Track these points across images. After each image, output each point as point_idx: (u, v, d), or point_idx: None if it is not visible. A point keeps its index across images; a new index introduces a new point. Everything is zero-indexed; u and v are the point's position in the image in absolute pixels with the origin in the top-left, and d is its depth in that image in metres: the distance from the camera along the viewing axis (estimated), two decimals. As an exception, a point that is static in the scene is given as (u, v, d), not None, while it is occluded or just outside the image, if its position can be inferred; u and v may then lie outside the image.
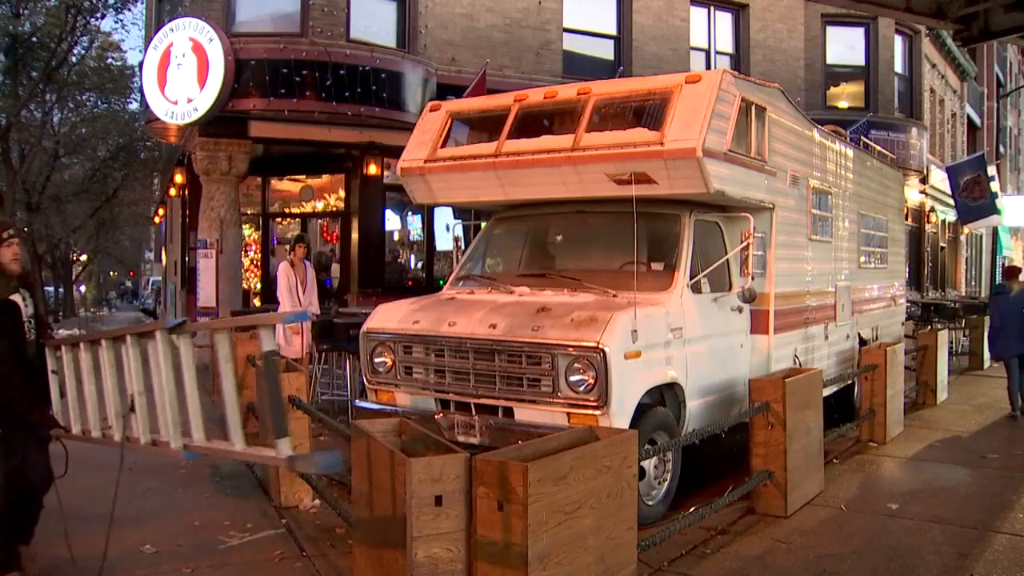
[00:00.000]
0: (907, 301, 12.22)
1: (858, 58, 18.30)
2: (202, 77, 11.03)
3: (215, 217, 12.10)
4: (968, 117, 27.12)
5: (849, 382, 8.02)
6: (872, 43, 18.17)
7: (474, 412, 5.15)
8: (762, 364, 6.23)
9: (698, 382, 5.54)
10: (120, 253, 51.04)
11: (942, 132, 23.49)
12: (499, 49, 13.70)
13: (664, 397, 5.38)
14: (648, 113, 5.53)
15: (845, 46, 18.17)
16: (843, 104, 18.35)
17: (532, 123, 6.09)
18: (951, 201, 19.68)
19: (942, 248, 24.89)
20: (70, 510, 4.36)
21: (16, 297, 3.95)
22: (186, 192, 15.12)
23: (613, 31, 15.31)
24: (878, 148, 10.24)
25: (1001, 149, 29.40)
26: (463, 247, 7.33)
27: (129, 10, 25.79)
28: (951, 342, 13.11)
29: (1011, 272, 9.82)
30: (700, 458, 5.92)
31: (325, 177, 14.22)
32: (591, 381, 4.77)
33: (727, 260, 5.94)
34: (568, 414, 4.83)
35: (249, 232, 14.39)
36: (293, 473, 3.87)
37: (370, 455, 3.67)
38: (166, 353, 3.76)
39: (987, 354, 12.17)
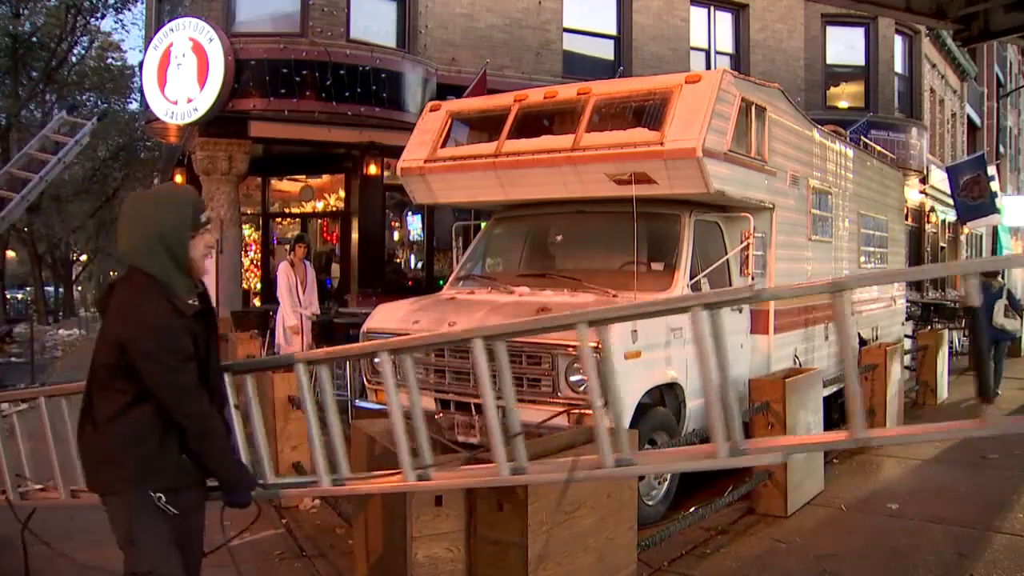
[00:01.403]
0: (907, 301, 12.24)
1: (858, 58, 18.28)
2: (202, 77, 11.03)
3: (215, 217, 12.09)
4: (968, 117, 27.10)
5: (849, 382, 8.01)
6: (872, 43, 18.16)
7: (474, 412, 5.15)
8: (762, 364, 6.23)
9: (698, 382, 5.53)
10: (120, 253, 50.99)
11: (942, 132, 23.48)
12: (499, 49, 13.69)
13: (664, 397, 5.38)
14: (648, 113, 5.53)
15: (845, 46, 18.15)
16: (843, 104, 18.34)
17: (532, 123, 6.10)
18: (951, 201, 19.68)
19: (942, 248, 24.87)
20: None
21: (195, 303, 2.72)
22: (186, 192, 15.10)
23: (613, 31, 15.30)
24: (878, 148, 10.25)
25: (1001, 149, 29.39)
26: (463, 247, 7.33)
27: (129, 10, 25.81)
28: (951, 342, 13.19)
29: (989, 272, 11.19)
30: (700, 458, 5.91)
31: (325, 177, 14.22)
32: (591, 381, 4.77)
33: (727, 260, 5.94)
34: (568, 414, 4.83)
35: (249, 232, 14.39)
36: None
37: (370, 455, 3.67)
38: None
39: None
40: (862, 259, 8.73)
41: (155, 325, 2.55)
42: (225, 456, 2.76)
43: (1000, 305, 10.38)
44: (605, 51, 15.27)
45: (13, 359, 14.31)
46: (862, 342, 8.53)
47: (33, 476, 3.96)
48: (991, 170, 19.05)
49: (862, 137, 10.78)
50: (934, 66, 21.77)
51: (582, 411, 4.76)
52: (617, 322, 2.97)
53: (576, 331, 2.78)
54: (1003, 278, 11.28)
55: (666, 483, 5.35)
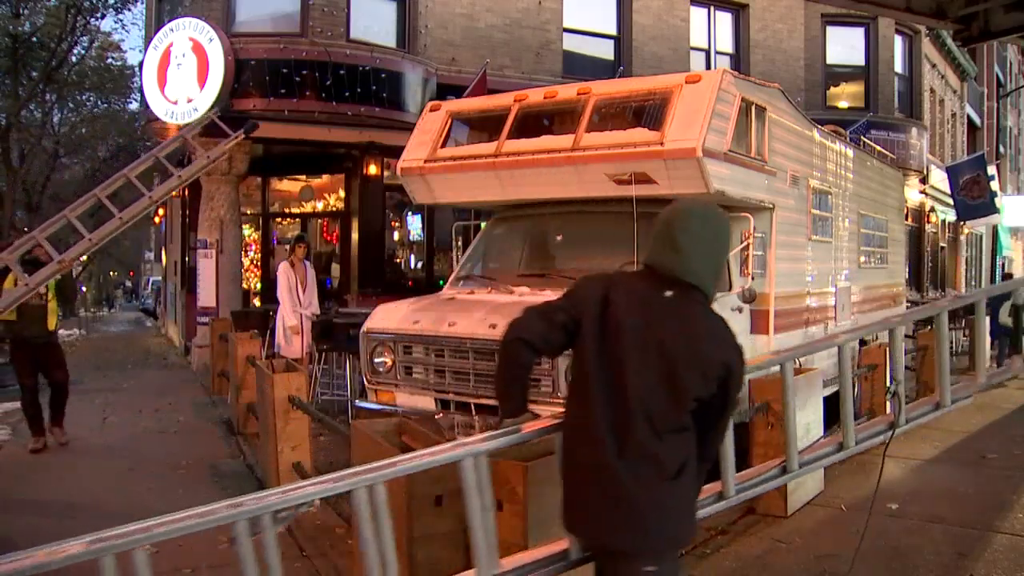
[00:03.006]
0: (907, 301, 12.26)
1: (858, 58, 18.29)
2: (202, 77, 11.04)
3: (215, 217, 12.11)
4: (968, 117, 27.10)
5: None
6: (872, 43, 18.17)
7: (474, 412, 5.15)
8: (762, 364, 6.22)
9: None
10: (120, 253, 50.97)
11: (942, 132, 23.48)
12: (499, 49, 13.70)
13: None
14: (648, 113, 5.53)
15: (845, 46, 18.17)
16: (843, 104, 18.35)
17: (532, 123, 6.10)
18: (951, 201, 19.70)
19: (942, 248, 24.87)
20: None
21: None
22: (186, 192, 15.10)
23: (613, 31, 15.31)
24: (878, 148, 10.25)
25: (1001, 149, 29.39)
26: (463, 247, 7.33)
27: (129, 10, 25.77)
28: (951, 342, 13.31)
29: (1006, 277, 13.60)
30: (700, 458, 5.91)
31: (325, 177, 14.22)
32: (591, 381, 4.76)
33: (727, 260, 5.93)
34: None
35: (249, 232, 14.39)
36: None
37: (370, 455, 3.67)
38: None
39: (986, 352, 13.45)
40: (862, 259, 8.73)
41: (743, 350, 2.52)
42: None
43: (1007, 305, 10.78)
44: (605, 51, 15.28)
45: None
46: (862, 342, 8.52)
47: None
48: (991, 170, 19.09)
49: (862, 137, 10.78)
50: (934, 66, 21.77)
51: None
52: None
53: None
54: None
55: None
